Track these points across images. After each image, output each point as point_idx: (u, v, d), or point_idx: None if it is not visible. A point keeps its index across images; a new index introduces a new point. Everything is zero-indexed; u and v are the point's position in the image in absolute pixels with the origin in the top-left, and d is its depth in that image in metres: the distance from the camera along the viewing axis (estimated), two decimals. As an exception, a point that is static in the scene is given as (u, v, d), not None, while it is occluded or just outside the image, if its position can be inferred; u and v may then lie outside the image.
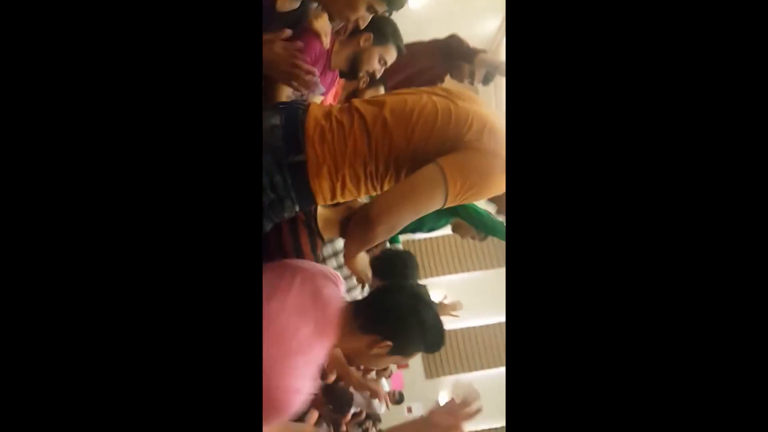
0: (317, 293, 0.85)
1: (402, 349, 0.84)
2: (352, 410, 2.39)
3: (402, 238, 5.71)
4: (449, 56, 1.82)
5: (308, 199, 0.88)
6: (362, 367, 1.54)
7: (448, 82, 1.81)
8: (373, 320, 0.83)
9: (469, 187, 0.82)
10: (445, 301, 1.76)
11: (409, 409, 4.84)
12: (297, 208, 0.90)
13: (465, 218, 1.73)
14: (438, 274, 5.11)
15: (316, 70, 0.95)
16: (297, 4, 1.11)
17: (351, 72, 1.30)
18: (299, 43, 0.93)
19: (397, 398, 3.44)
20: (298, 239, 1.05)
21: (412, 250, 5.07)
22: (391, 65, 1.34)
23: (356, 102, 0.91)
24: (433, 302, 0.90)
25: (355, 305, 0.88)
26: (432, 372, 4.99)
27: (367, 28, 1.13)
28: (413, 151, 0.84)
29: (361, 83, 1.36)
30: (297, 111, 0.88)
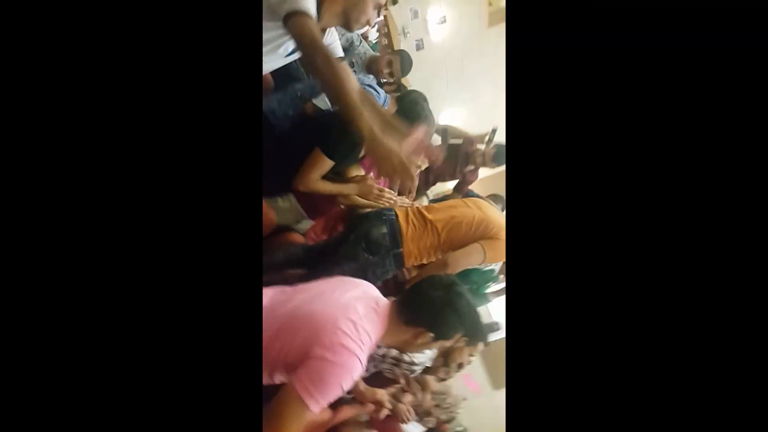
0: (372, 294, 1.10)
1: (442, 335, 1.01)
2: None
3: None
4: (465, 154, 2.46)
5: (401, 265, 1.58)
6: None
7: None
8: (414, 315, 1.01)
9: (494, 256, 1.56)
10: None
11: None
12: (394, 271, 1.62)
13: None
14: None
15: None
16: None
17: None
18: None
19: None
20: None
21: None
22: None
23: (423, 210, 1.62)
24: (465, 291, 1.08)
25: (398, 303, 1.05)
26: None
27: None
28: (461, 242, 1.56)
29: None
30: (393, 220, 1.56)
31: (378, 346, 1.08)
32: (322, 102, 1.67)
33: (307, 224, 1.85)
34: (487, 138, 2.36)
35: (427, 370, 1.92)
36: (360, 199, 1.74)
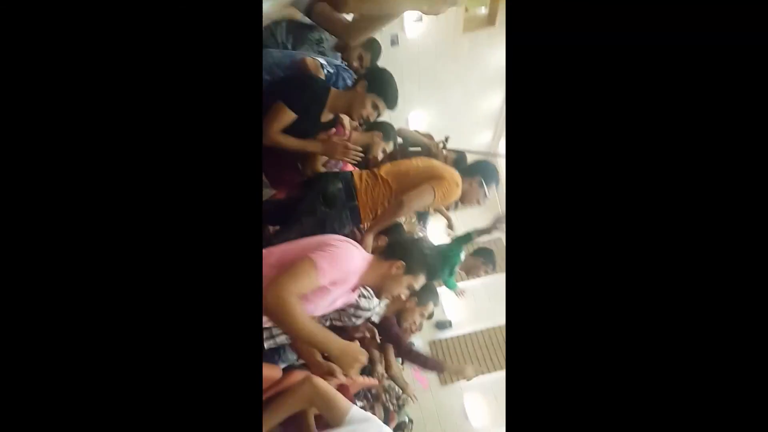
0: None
1: (411, 268, 1.25)
2: None
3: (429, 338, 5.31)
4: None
5: (358, 222, 1.70)
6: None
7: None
8: (390, 250, 1.30)
9: (443, 195, 1.67)
10: None
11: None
12: (351, 226, 1.71)
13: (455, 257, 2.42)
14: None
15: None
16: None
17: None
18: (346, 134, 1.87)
19: None
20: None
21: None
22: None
23: (375, 170, 1.72)
24: (428, 238, 1.41)
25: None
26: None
27: (376, 128, 2.03)
28: (412, 187, 1.66)
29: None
30: (348, 178, 1.66)
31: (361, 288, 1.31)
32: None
33: (267, 194, 1.82)
34: (440, 146, 2.65)
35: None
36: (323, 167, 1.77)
